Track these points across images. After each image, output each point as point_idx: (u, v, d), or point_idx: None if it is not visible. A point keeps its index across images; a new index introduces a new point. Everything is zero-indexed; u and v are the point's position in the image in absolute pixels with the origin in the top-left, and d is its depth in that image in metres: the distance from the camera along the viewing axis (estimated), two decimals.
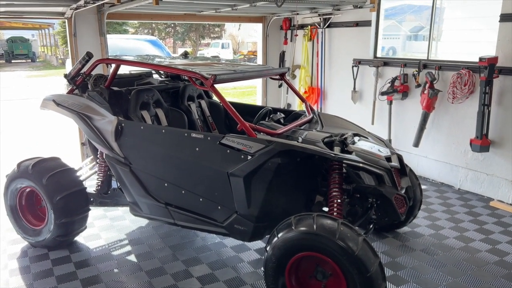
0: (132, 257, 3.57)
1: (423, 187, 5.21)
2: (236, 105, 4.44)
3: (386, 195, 2.89)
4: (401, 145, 5.82)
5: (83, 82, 3.70)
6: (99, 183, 3.83)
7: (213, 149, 3.01)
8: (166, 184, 3.30)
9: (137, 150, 3.34)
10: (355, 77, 6.28)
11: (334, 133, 3.27)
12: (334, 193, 2.98)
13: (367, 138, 3.46)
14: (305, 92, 7.20)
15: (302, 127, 3.62)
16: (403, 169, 3.28)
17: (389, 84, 5.68)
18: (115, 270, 3.38)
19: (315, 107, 7.12)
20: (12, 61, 29.68)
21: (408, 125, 5.66)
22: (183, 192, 3.24)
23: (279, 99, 7.87)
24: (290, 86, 4.09)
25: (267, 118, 3.74)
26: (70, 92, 3.76)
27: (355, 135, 3.45)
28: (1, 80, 18.85)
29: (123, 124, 3.35)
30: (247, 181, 2.90)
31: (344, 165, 2.93)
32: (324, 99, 7.06)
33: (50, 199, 3.48)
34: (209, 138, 3.03)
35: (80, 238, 3.89)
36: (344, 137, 3.09)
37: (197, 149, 3.08)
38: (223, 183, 3.00)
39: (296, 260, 2.60)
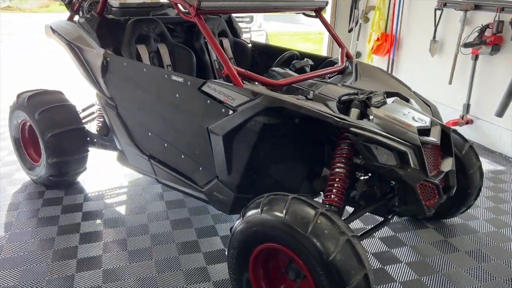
0: (127, 208, 3.25)
1: (501, 168, 4.13)
2: (269, 50, 3.75)
3: (406, 181, 2.11)
4: (481, 112, 4.66)
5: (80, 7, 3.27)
6: (99, 124, 3.50)
7: (193, 97, 2.42)
8: (149, 134, 2.83)
9: (122, 91, 2.88)
10: (436, 24, 5.07)
11: (362, 90, 2.49)
12: (336, 169, 2.26)
13: (407, 101, 2.61)
14: (378, 39, 6.12)
15: (328, 79, 2.86)
16: (448, 148, 2.41)
17: (477, 34, 4.46)
18: (98, 221, 3.08)
19: (385, 58, 6.07)
20: None
21: (494, 88, 4.46)
22: (165, 145, 2.75)
23: (348, 47, 6.87)
24: (326, 25, 3.26)
25: (290, 65, 3.02)
26: (70, 19, 3.37)
27: (391, 94, 2.62)
28: None
29: (108, 59, 2.89)
30: (227, 141, 2.29)
31: (350, 134, 2.17)
32: (397, 49, 5.94)
33: (42, 136, 3.23)
34: (189, 83, 2.44)
35: (85, 181, 3.67)
36: (368, 96, 2.30)
37: (177, 95, 2.52)
38: (203, 140, 2.44)
39: (264, 249, 2.00)
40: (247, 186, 2.38)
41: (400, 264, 2.68)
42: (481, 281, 2.53)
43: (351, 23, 6.68)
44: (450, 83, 4.93)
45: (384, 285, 2.48)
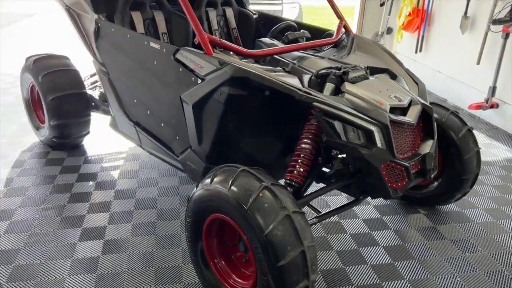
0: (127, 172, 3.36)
1: None
2: (275, 21, 3.64)
3: (369, 161, 2.01)
4: (508, 96, 4.32)
5: None
6: (101, 89, 3.59)
7: (169, 64, 2.41)
8: (135, 101, 2.87)
9: (111, 57, 2.92)
10: None
11: (346, 65, 2.38)
12: (302, 145, 2.19)
13: (395, 78, 2.46)
14: (409, 14, 5.78)
15: (321, 52, 2.75)
16: (430, 129, 2.26)
17: (509, 9, 4.10)
18: (90, 183, 3.20)
19: (415, 35, 5.74)
20: None
21: None
22: (148, 112, 2.77)
23: (379, 22, 6.54)
24: None
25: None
26: None
27: (381, 70, 2.49)
28: None
29: (99, 24, 2.93)
30: (197, 110, 2.28)
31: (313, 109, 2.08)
32: (428, 25, 5.58)
33: (44, 98, 3.36)
34: (164, 49, 2.43)
35: (89, 144, 3.81)
36: (345, 70, 2.19)
37: (155, 62, 2.52)
38: (178, 108, 2.44)
39: (215, 219, 2.00)
40: (217, 157, 2.37)
41: (377, 247, 2.59)
42: (459, 271, 2.40)
43: None
44: (478, 63, 4.59)
45: (353, 267, 2.41)
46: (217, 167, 1.98)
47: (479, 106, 4.48)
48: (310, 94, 2.02)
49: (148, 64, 2.57)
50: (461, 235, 2.73)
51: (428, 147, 2.22)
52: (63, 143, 3.60)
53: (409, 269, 2.41)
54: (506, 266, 2.45)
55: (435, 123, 2.25)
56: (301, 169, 2.15)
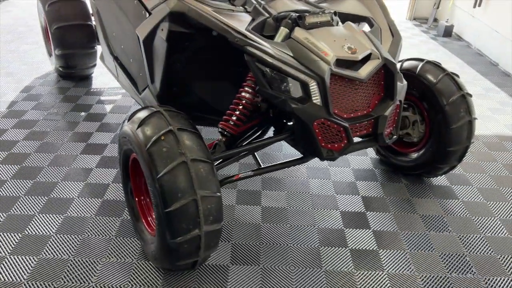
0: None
1: None
2: None
3: (299, 116, 1.83)
4: None
5: None
6: None
7: None
8: (114, 34, 2.85)
9: None
10: None
11: (316, 9, 2.15)
12: (242, 93, 2.04)
13: (371, 27, 2.18)
14: None
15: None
16: (389, 90, 1.99)
17: None
18: (82, 113, 3.33)
19: None
20: None
21: None
22: (122, 47, 2.75)
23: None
24: None
25: None
26: None
27: (360, 18, 2.23)
28: None
29: None
30: (146, 46, 2.19)
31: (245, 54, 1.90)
32: None
33: (49, 27, 3.47)
34: None
35: (97, 78, 3.93)
36: (301, 14, 1.96)
37: None
38: (137, 43, 2.38)
39: (135, 159, 1.97)
40: (167, 99, 2.30)
41: (335, 211, 2.43)
42: (412, 248, 2.19)
43: None
44: None
45: (302, 232, 2.30)
46: (141, 107, 1.93)
47: None
48: (245, 37, 1.85)
49: None
50: (436, 211, 2.46)
51: (383, 109, 1.97)
52: (70, 73, 3.73)
53: (358, 238, 2.24)
54: (471, 250, 2.19)
55: (397, 82, 1.98)
56: (235, 119, 2.02)
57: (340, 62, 1.87)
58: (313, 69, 1.80)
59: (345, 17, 2.26)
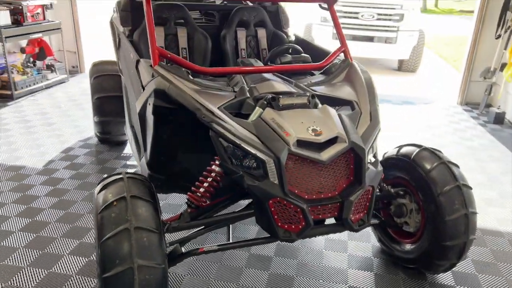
0: None
1: None
2: (310, 47, 3.48)
3: (254, 192, 1.82)
4: None
5: None
6: None
7: (134, 72, 2.58)
8: (131, 105, 3.12)
9: (123, 64, 3.23)
10: None
11: (299, 92, 2.22)
12: (213, 166, 2.09)
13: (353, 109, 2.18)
14: None
15: (307, 77, 2.60)
16: (358, 174, 1.92)
17: None
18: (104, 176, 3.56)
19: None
20: None
21: None
22: (134, 117, 2.99)
23: (493, 56, 5.59)
24: (334, 20, 2.85)
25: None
26: None
27: (346, 103, 2.26)
28: None
29: (119, 36, 3.27)
30: (141, 119, 2.39)
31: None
32: None
33: (92, 97, 3.89)
34: (133, 60, 2.60)
35: None
36: (273, 97, 2.04)
37: (132, 71, 2.72)
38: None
39: None
40: (156, 167, 2.42)
41: (344, 285, 2.28)
42: None
43: (499, 29, 5.43)
44: None
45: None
46: (113, 173, 2.06)
47: None
48: (213, 114, 1.94)
49: (130, 71, 2.79)
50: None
51: (350, 193, 1.89)
52: (106, 138, 4.08)
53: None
54: None
55: (365, 168, 1.91)
56: (202, 191, 2.05)
57: (303, 144, 1.86)
58: (271, 147, 1.82)
59: (332, 100, 2.29)
